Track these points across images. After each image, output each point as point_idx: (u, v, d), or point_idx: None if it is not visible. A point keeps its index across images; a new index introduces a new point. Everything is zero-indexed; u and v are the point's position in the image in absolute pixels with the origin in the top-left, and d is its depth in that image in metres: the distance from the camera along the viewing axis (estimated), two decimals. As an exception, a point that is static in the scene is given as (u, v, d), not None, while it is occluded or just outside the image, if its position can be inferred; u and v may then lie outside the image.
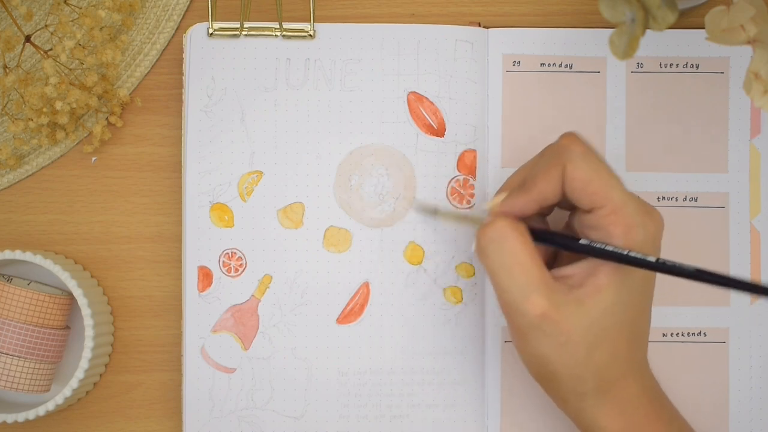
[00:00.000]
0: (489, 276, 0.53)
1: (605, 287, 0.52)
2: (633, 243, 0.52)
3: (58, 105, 0.59)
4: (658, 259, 0.52)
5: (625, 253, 0.51)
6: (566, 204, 0.55)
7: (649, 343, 0.56)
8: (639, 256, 0.51)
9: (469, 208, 0.63)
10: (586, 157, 0.53)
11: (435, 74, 0.63)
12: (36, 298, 0.60)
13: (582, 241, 0.53)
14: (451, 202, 0.63)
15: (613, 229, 0.52)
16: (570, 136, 0.54)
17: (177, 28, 0.64)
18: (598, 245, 0.52)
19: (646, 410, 0.54)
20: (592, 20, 0.64)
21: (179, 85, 0.64)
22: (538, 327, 0.51)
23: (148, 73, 0.64)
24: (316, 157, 0.63)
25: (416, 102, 0.63)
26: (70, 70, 0.61)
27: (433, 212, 0.61)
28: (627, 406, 0.53)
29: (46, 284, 0.62)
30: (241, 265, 0.62)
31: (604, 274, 0.52)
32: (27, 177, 0.64)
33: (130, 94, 0.64)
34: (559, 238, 0.54)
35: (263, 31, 0.63)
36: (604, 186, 0.52)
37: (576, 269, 0.53)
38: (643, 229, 0.52)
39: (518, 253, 0.52)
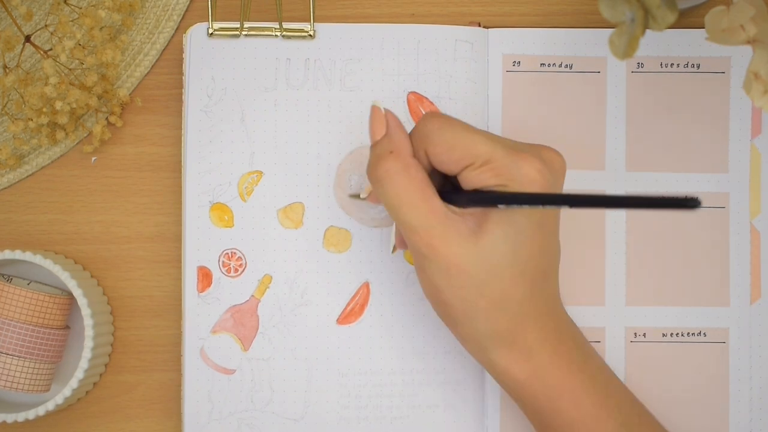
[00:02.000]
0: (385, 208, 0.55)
1: (491, 224, 0.52)
2: (509, 184, 0.52)
3: (58, 105, 0.59)
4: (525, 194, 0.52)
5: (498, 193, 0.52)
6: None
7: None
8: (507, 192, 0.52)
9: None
10: (441, 130, 0.53)
11: (435, 74, 0.63)
12: (36, 298, 0.60)
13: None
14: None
15: (484, 177, 0.52)
16: (424, 118, 0.54)
17: (177, 28, 0.64)
18: (474, 192, 0.53)
19: (547, 356, 0.54)
20: (592, 20, 0.64)
21: (179, 85, 0.64)
22: (427, 257, 0.53)
23: (148, 73, 0.64)
24: (316, 157, 0.63)
25: (416, 102, 0.63)
26: (70, 70, 0.61)
27: (356, 195, 0.61)
28: (527, 353, 0.54)
29: (46, 284, 0.62)
30: (240, 265, 0.62)
31: (493, 212, 0.53)
32: (27, 177, 0.64)
33: (130, 94, 0.64)
34: (446, 196, 0.55)
35: (263, 31, 0.63)
36: (466, 146, 0.53)
37: (471, 209, 0.54)
38: (514, 171, 0.52)
39: (404, 191, 0.53)
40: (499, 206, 0.52)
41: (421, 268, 0.54)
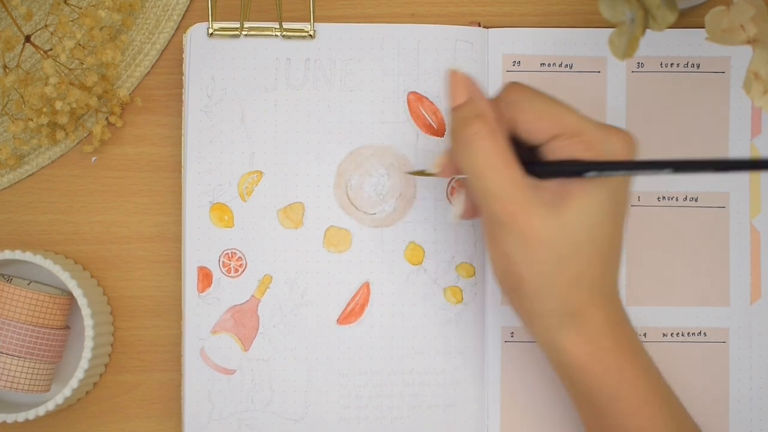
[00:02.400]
0: (465, 173, 0.53)
1: (574, 200, 0.52)
2: (600, 158, 0.52)
3: (58, 105, 0.59)
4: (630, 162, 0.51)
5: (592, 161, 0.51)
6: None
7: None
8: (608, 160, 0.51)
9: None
10: (532, 98, 0.53)
11: (435, 74, 0.63)
12: (36, 298, 0.60)
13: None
14: (451, 203, 0.63)
15: (574, 149, 0.52)
16: (511, 86, 0.54)
17: (177, 28, 0.64)
18: (565, 160, 0.52)
19: (610, 341, 0.53)
20: (592, 20, 0.64)
21: (179, 85, 0.64)
22: (506, 226, 0.52)
23: (148, 73, 0.64)
24: (316, 157, 0.63)
25: (416, 102, 0.63)
26: (70, 70, 0.61)
27: (420, 172, 0.60)
28: (592, 334, 0.53)
29: (46, 284, 0.62)
30: (241, 265, 0.62)
31: (576, 186, 0.52)
32: (27, 177, 0.64)
33: (130, 94, 0.64)
34: (531, 166, 0.54)
35: (263, 31, 0.63)
36: (555, 116, 0.52)
37: (551, 182, 0.53)
38: (606, 144, 0.52)
39: (490, 156, 0.52)
40: (589, 174, 0.51)
41: (496, 238, 0.52)
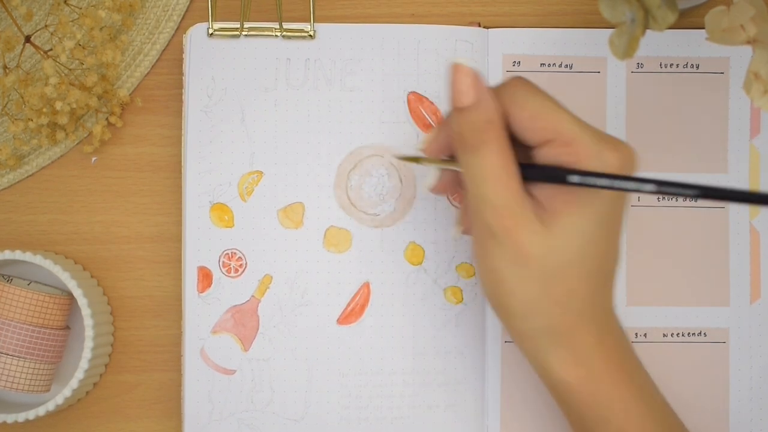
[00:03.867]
0: (464, 176, 0.52)
1: (564, 217, 0.50)
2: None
3: (58, 105, 0.59)
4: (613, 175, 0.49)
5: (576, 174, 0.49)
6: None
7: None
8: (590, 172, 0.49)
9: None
10: (531, 96, 0.51)
11: (435, 74, 0.63)
12: (36, 298, 0.60)
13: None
14: (451, 203, 0.63)
15: (563, 159, 0.50)
16: (513, 80, 0.52)
17: (177, 28, 0.64)
18: (548, 165, 0.50)
19: (602, 363, 0.52)
20: (591, 20, 0.64)
21: (179, 85, 0.64)
22: (498, 239, 0.50)
23: (148, 73, 0.64)
24: (316, 157, 0.63)
25: (416, 102, 0.63)
26: (70, 70, 0.61)
27: (416, 160, 0.57)
28: (582, 356, 0.51)
29: (46, 284, 0.62)
30: (241, 265, 0.62)
31: (566, 202, 0.50)
32: (27, 177, 0.64)
33: (130, 94, 0.64)
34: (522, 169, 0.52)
35: (263, 31, 0.63)
36: (552, 120, 0.50)
37: (538, 190, 0.51)
38: (599, 159, 0.50)
39: (496, 166, 0.50)
40: (571, 178, 0.49)
41: (486, 250, 0.51)
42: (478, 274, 0.52)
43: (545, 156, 0.51)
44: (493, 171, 0.50)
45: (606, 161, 0.50)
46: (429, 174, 0.56)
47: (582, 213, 0.50)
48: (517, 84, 0.52)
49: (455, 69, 0.51)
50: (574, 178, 0.49)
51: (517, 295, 0.51)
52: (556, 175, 0.50)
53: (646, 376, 0.55)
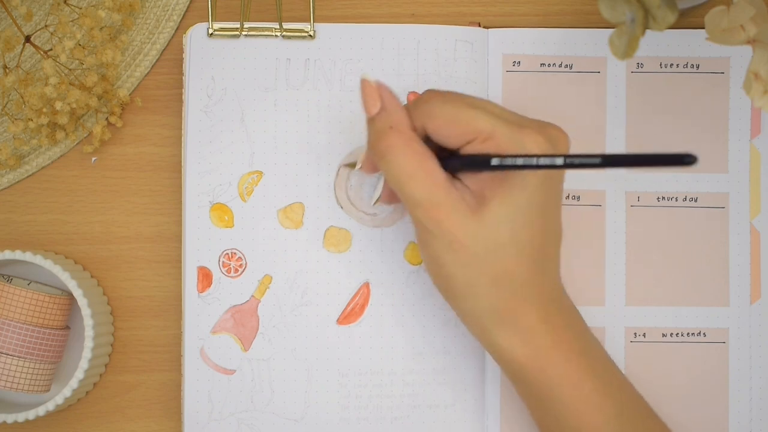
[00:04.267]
0: (388, 182, 0.54)
1: (493, 202, 0.52)
2: None
3: (58, 105, 0.59)
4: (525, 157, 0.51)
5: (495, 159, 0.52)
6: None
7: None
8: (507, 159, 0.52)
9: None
10: (443, 105, 0.53)
11: (435, 74, 0.63)
12: (36, 298, 0.60)
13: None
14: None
15: (489, 152, 0.52)
16: (425, 93, 0.55)
17: (177, 28, 0.64)
18: (475, 156, 0.53)
19: (548, 340, 0.53)
20: (591, 20, 0.64)
21: (179, 85, 0.64)
22: (431, 231, 0.53)
23: (148, 73, 0.64)
24: (316, 157, 0.63)
25: (416, 102, 0.63)
26: (70, 70, 0.61)
27: (352, 164, 0.62)
28: (528, 335, 0.53)
29: (46, 284, 0.62)
30: (240, 265, 0.62)
31: (494, 188, 0.53)
32: (27, 177, 0.64)
33: (130, 94, 0.64)
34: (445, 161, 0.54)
35: (263, 31, 0.63)
36: (468, 121, 0.53)
37: (470, 181, 0.54)
38: (519, 146, 0.52)
39: (407, 166, 0.53)
40: (492, 162, 0.52)
41: (424, 242, 0.54)
42: (423, 264, 0.54)
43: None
44: (406, 171, 0.53)
45: (525, 146, 0.52)
46: (376, 189, 0.60)
47: (511, 196, 0.52)
48: (426, 96, 0.54)
49: (362, 83, 0.54)
50: (495, 161, 0.52)
51: (458, 278, 0.53)
52: (479, 161, 0.52)
53: (600, 350, 0.56)
